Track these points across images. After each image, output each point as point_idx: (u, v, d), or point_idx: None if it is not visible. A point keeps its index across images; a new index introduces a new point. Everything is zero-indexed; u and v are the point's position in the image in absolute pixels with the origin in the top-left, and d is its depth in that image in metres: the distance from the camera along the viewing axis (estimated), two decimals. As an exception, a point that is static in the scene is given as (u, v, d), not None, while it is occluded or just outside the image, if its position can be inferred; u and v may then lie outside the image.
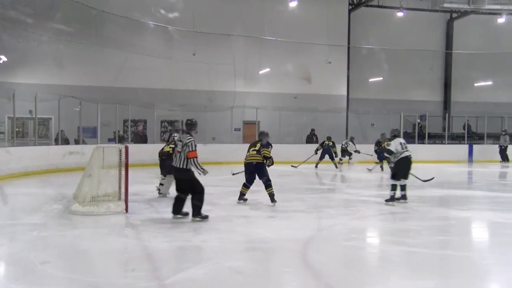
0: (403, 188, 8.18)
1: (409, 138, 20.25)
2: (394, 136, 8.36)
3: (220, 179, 12.18)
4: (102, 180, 7.43)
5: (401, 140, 8.27)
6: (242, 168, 8.23)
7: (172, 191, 8.67)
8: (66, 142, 15.30)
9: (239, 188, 8.22)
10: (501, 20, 21.25)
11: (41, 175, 12.18)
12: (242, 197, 8.12)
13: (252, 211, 7.61)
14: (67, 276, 4.27)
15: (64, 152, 13.61)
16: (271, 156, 7.96)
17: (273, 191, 7.91)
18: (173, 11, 18.42)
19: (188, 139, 6.40)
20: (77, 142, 15.55)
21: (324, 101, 20.12)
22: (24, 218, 6.77)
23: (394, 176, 8.11)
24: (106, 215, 6.85)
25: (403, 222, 7.02)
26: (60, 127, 14.85)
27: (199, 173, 6.51)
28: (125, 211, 7.03)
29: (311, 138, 18.97)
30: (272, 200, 7.90)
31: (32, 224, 6.37)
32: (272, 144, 8.17)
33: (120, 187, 7.47)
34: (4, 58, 16.62)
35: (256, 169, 7.88)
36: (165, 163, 8.49)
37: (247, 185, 8.07)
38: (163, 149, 8.79)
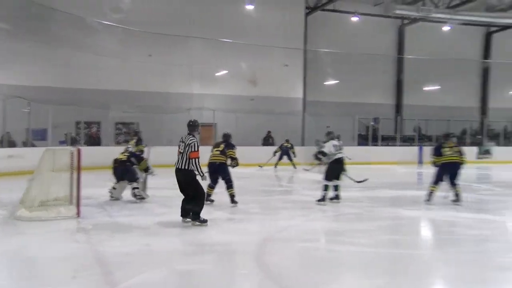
0: (336, 188, 8.52)
1: (363, 140, 20.80)
2: (330, 138, 8.62)
3: (173, 182, 12.04)
4: (53, 183, 7.18)
5: (335, 142, 8.51)
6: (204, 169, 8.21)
7: (126, 196, 8.51)
8: (12, 144, 14.61)
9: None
10: (446, 28, 22.43)
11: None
12: (208, 198, 8.11)
13: (208, 213, 7.56)
14: (13, 284, 4.09)
15: (3, 155, 12.86)
16: (236, 157, 8.14)
17: (234, 192, 8.04)
18: (128, 11, 18.07)
19: (191, 139, 6.43)
20: (25, 144, 14.91)
21: (280, 103, 20.28)
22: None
23: (327, 177, 8.35)
24: (56, 220, 6.60)
25: (356, 222, 7.19)
26: (5, 129, 14.19)
27: (201, 176, 6.48)
28: (76, 216, 6.81)
29: (267, 140, 19.12)
30: (233, 201, 8.01)
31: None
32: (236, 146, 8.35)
33: (71, 191, 7.24)
34: None
35: (219, 169, 8.02)
36: (118, 170, 8.49)
37: (212, 185, 8.11)
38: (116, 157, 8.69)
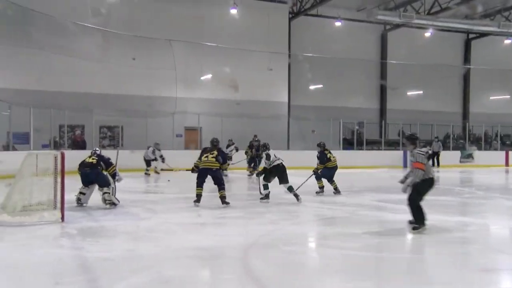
0: (290, 189, 9.08)
1: (348, 144, 20.95)
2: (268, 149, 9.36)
3: (157, 186, 11.98)
4: (35, 188, 7.08)
5: (273, 152, 9.29)
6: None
7: (95, 200, 8.31)
8: (-6, 148, 14.40)
9: (178, 195, 8.23)
10: (427, 34, 22.83)
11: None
12: (200, 198, 8.40)
13: (191, 218, 7.54)
14: (-5, 291, 4.02)
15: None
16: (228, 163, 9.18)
17: (225, 194, 8.47)
18: (111, 15, 17.97)
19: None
20: (6, 148, 14.66)
21: (265, 107, 20.35)
22: None
23: (265, 178, 9.11)
24: (39, 225, 6.50)
25: (342, 226, 7.21)
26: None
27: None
28: (61, 220, 6.72)
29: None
30: (224, 202, 8.42)
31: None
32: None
33: (55, 195, 7.14)
34: None
35: (214, 174, 8.43)
36: (89, 174, 8.13)
37: (201, 186, 8.46)
38: (84, 160, 8.35)
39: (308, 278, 4.60)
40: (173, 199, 8.44)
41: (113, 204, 8.11)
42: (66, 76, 17.36)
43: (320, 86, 22.46)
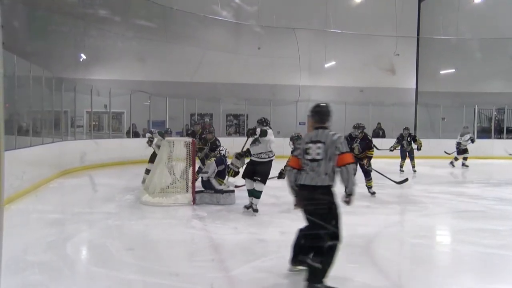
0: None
1: (485, 132, 19.15)
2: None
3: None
4: (171, 172, 7.73)
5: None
6: None
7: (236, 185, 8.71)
8: (136, 135, 15.98)
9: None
10: None
11: (114, 167, 12.82)
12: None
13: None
14: (138, 264, 4.48)
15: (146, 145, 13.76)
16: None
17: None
18: (238, 6, 18.64)
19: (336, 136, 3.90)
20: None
21: (391, 94, 19.51)
22: (100, 207, 7.17)
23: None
24: (174, 206, 7.09)
25: (478, 221, 6.63)
26: (131, 121, 15.55)
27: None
28: (192, 203, 7.24)
29: (377, 132, 18.50)
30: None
31: (107, 212, 6.74)
32: None
33: (187, 180, 7.71)
34: (83, 57, 17.68)
35: None
36: None
37: None
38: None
39: (437, 274, 4.34)
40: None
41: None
42: (198, 67, 18.50)
43: (452, 70, 20.78)
